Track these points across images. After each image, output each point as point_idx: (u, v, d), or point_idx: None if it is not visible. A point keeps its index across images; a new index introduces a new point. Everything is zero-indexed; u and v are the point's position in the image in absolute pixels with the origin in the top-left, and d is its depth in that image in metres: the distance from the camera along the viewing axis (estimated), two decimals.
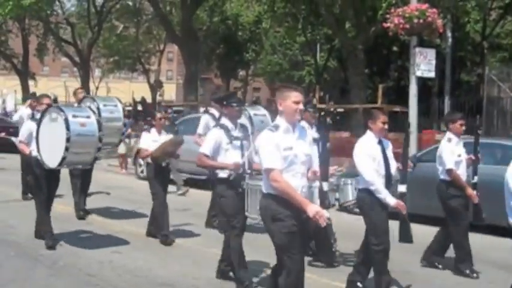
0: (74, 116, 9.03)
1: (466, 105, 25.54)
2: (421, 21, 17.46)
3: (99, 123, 9.30)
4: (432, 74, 17.80)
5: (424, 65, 17.22)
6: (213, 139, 7.69)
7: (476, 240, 9.45)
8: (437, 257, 9.08)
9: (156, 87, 48.89)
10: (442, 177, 8.87)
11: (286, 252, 5.63)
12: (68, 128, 8.81)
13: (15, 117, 14.97)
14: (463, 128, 8.91)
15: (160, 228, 10.23)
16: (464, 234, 8.72)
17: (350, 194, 8.51)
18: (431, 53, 17.52)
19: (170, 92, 71.05)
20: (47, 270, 8.34)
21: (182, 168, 16.11)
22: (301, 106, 5.72)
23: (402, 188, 7.63)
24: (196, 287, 7.84)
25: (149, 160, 10.32)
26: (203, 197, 12.72)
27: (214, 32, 46.57)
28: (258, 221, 7.15)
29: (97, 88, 57.71)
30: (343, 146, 14.17)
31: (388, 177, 7.37)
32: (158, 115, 10.75)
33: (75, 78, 48.52)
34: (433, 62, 17.48)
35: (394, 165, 7.52)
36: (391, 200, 7.15)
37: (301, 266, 5.71)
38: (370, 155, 7.28)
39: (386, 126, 7.54)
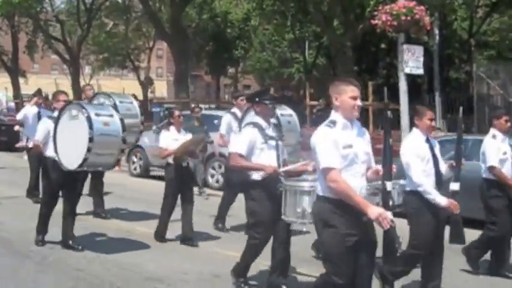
0: (97, 115, 8.47)
1: (456, 102, 25.68)
2: (409, 18, 17.56)
3: (122, 122, 8.77)
4: (420, 71, 17.91)
5: (412, 62, 17.31)
6: (247, 138, 7.18)
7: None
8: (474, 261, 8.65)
9: (146, 84, 48.93)
10: (484, 175, 8.54)
11: (335, 263, 5.14)
12: (91, 127, 8.27)
13: (19, 116, 14.32)
14: (508, 124, 8.59)
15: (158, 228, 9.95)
16: (504, 236, 8.44)
17: (395, 199, 7.45)
18: (419, 50, 17.63)
19: (161, 89, 70.94)
20: (35, 266, 8.33)
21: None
22: (359, 102, 5.29)
23: (455, 186, 7.04)
24: (185, 282, 7.86)
25: (169, 160, 9.78)
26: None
27: (203, 29, 46.62)
28: (297, 223, 6.83)
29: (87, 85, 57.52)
30: None
31: (438, 177, 6.94)
32: (176, 112, 10.14)
33: (65, 76, 48.35)
34: (421, 59, 17.58)
35: (443, 164, 7.10)
36: (442, 200, 6.73)
37: (346, 281, 5.14)
38: (418, 155, 6.83)
39: (433, 123, 7.18)
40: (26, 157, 20.56)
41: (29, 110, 13.79)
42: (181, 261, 8.82)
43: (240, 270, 7.40)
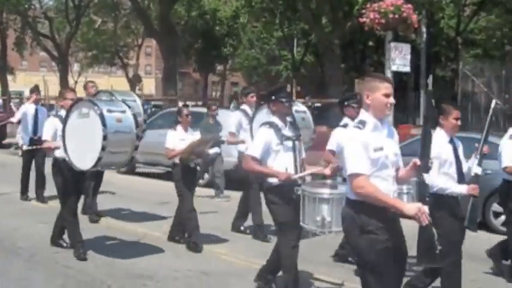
0: (109, 111, 8.02)
1: (440, 100, 25.81)
2: (396, 16, 17.69)
3: (135, 118, 8.39)
4: (407, 69, 18.05)
5: (399, 59, 17.46)
6: (262, 140, 6.79)
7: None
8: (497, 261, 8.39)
9: (134, 81, 48.88)
10: (504, 177, 8.16)
11: (376, 273, 4.74)
12: (104, 124, 7.81)
13: (19, 115, 13.78)
14: None
15: (188, 235, 9.45)
16: None
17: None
18: (406, 48, 17.77)
19: (149, 86, 70.80)
20: (25, 264, 8.33)
21: (155, 160, 16.22)
22: (392, 100, 4.94)
23: (477, 170, 6.67)
24: (175, 279, 7.87)
25: (176, 160, 9.37)
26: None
27: (192, 26, 46.59)
28: (317, 232, 6.47)
29: (76, 82, 57.40)
30: (321, 140, 14.28)
31: (460, 181, 6.56)
32: (185, 111, 9.68)
33: (54, 73, 48.28)
34: (408, 56, 17.74)
35: (465, 165, 6.72)
36: (462, 189, 6.43)
37: None
38: (437, 157, 6.29)
39: (459, 123, 6.75)
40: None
41: (28, 108, 13.49)
42: (171, 258, 8.81)
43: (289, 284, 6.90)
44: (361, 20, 18.68)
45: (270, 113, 7.14)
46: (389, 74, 17.46)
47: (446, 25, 37.76)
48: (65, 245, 9.04)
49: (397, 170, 5.10)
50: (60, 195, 9.02)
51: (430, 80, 17.61)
